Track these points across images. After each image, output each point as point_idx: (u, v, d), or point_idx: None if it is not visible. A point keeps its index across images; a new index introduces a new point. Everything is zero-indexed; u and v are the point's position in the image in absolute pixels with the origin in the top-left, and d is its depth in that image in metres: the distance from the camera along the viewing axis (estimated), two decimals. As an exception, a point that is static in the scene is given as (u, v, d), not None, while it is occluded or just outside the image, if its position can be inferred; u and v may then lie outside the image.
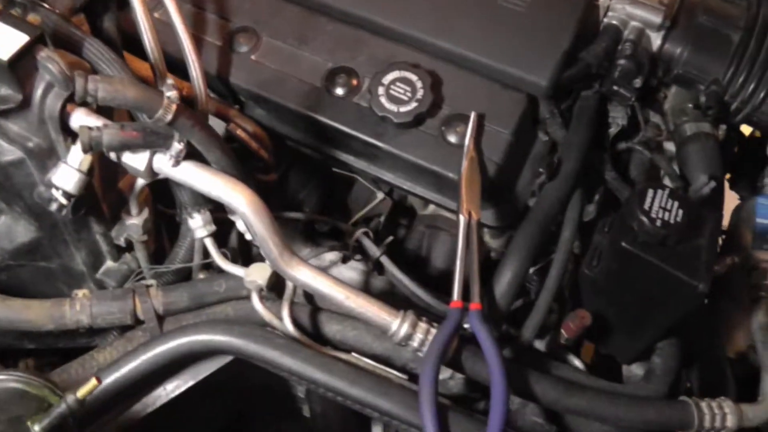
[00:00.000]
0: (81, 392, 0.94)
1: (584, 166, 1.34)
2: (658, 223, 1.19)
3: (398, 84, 1.30)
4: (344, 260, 1.40)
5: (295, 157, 1.49)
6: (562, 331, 1.32)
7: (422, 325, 1.19)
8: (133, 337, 1.27)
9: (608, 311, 1.32)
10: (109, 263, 1.37)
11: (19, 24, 1.12)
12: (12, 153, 1.16)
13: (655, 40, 1.41)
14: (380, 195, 1.44)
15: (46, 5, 1.20)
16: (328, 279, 1.21)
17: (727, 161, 1.52)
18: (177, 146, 1.14)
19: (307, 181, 1.52)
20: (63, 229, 1.26)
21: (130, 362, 1.18)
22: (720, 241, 1.42)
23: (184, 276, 1.38)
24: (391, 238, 1.41)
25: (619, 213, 1.22)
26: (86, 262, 1.33)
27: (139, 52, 1.27)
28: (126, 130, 1.10)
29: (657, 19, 1.38)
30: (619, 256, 1.22)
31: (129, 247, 1.35)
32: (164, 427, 1.35)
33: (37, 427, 0.94)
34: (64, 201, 1.15)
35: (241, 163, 1.22)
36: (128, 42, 1.32)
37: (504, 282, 1.26)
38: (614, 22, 1.40)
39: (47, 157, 1.17)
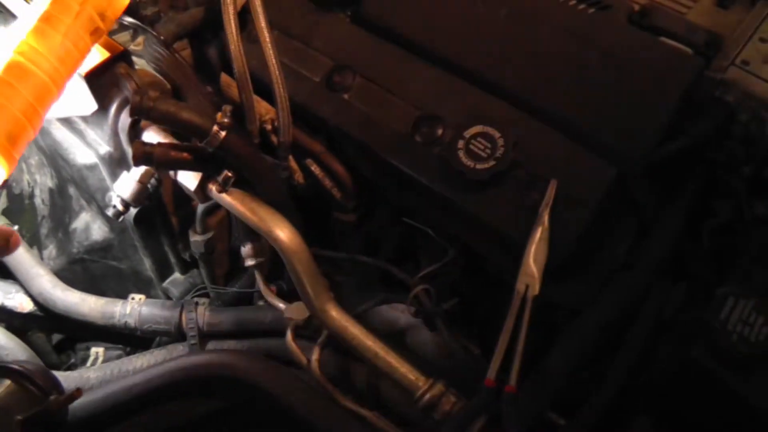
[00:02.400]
0: (61, 399, 0.98)
1: (670, 258, 1.18)
2: (734, 337, 1.04)
3: (479, 139, 1.22)
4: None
5: (379, 200, 1.46)
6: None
7: (450, 397, 1.12)
8: (173, 349, 1.29)
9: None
10: (176, 275, 1.41)
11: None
12: (87, 156, 1.24)
13: (777, 126, 1.20)
14: (452, 252, 1.36)
15: (151, 30, 1.28)
16: (361, 331, 1.17)
17: None
18: (225, 173, 1.15)
19: (387, 225, 1.48)
20: (132, 234, 1.31)
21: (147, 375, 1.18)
22: None
23: (246, 301, 1.39)
24: (456, 300, 1.33)
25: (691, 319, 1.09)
26: (154, 270, 1.38)
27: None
28: (177, 150, 1.14)
29: (777, 100, 1.17)
30: (687, 368, 1.08)
31: (195, 262, 1.38)
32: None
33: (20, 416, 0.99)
34: (120, 207, 1.20)
35: (291, 200, 1.20)
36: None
37: (550, 368, 1.13)
38: (729, 98, 1.21)
39: (117, 165, 1.23)
